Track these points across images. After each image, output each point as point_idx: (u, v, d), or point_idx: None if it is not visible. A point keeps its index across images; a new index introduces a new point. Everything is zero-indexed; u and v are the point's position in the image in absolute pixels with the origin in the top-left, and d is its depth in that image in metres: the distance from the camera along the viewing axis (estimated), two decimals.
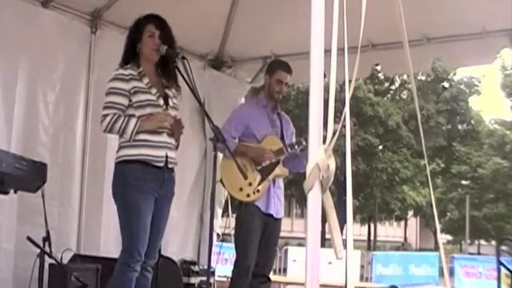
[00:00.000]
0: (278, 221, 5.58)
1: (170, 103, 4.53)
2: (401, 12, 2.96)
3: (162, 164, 4.44)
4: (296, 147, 5.52)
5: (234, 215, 5.67)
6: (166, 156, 4.46)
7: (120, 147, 4.46)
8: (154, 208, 4.44)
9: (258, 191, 5.37)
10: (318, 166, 2.34)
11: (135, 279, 4.32)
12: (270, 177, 5.43)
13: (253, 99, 5.80)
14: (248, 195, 5.35)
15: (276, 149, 5.48)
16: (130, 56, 4.57)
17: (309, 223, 2.36)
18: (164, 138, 4.45)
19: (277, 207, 5.52)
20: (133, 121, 4.34)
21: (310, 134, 2.39)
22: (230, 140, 5.17)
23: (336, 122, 2.46)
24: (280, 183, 5.66)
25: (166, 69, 4.60)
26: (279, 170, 5.52)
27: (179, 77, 4.54)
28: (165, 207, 4.56)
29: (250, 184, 5.34)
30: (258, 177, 5.38)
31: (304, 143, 5.49)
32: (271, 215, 5.47)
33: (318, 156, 2.35)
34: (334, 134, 2.38)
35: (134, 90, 4.41)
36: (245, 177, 5.02)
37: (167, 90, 4.57)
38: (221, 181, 5.34)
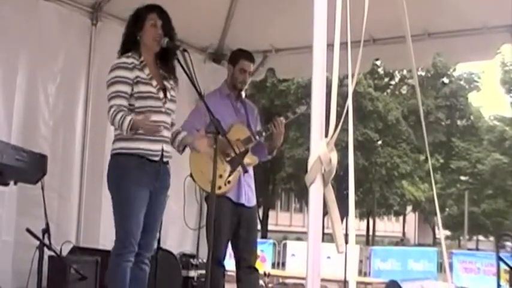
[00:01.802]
0: (251, 209, 5.54)
1: (168, 96, 4.55)
2: (404, 7, 2.95)
3: (157, 158, 4.46)
4: (264, 133, 5.47)
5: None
6: (162, 150, 4.48)
7: (116, 140, 4.46)
8: (150, 201, 4.46)
9: (229, 182, 5.32)
10: (320, 159, 2.34)
11: (129, 270, 4.35)
12: (240, 167, 5.42)
13: (215, 90, 5.74)
14: (219, 187, 5.28)
15: (244, 138, 5.42)
16: (131, 44, 4.56)
17: (311, 216, 2.36)
18: (161, 131, 4.46)
19: (248, 195, 5.47)
20: (127, 120, 4.27)
21: (312, 127, 2.38)
22: (194, 132, 5.14)
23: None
24: (250, 171, 5.59)
25: (166, 61, 4.61)
26: (248, 159, 5.46)
27: (180, 70, 4.54)
28: (160, 200, 4.60)
29: (220, 176, 5.27)
30: (228, 169, 5.33)
31: (271, 128, 5.47)
32: (242, 205, 5.42)
33: (320, 149, 2.35)
34: (336, 127, 2.38)
35: (137, 80, 4.41)
36: (218, 169, 5.04)
37: (165, 82, 4.58)
38: (191, 175, 5.31)
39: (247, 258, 5.50)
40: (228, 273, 5.57)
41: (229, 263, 5.51)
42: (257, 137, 5.44)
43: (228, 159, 5.32)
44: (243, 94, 5.75)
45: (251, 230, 5.55)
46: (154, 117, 4.42)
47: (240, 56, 5.67)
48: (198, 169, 5.24)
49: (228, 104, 5.57)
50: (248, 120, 5.60)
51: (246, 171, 5.27)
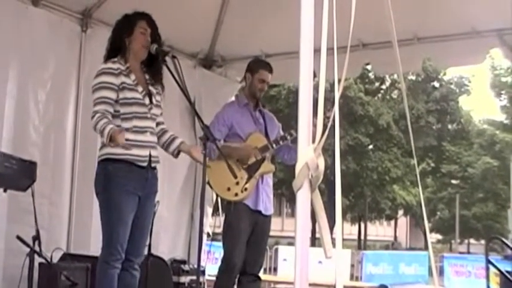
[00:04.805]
0: (267, 218, 5.57)
1: (154, 101, 4.55)
2: (390, 12, 2.97)
3: (145, 164, 4.46)
4: (281, 142, 5.52)
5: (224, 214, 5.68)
6: (150, 156, 4.48)
7: (104, 145, 4.41)
8: (138, 206, 4.46)
9: (245, 189, 5.36)
10: (307, 165, 2.35)
11: (116, 276, 4.35)
12: (257, 174, 5.43)
13: (233, 101, 5.79)
14: (236, 194, 5.35)
15: (261, 146, 5.48)
16: (118, 49, 4.56)
17: (298, 222, 2.36)
18: (147, 137, 4.47)
19: (265, 203, 5.51)
20: (107, 129, 4.17)
21: (299, 133, 2.40)
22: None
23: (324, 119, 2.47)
24: (269, 180, 5.64)
25: (152, 68, 4.61)
26: (265, 166, 5.51)
27: (169, 76, 4.54)
28: (148, 205, 4.60)
29: (237, 183, 5.33)
30: (245, 176, 5.37)
31: (288, 137, 5.51)
32: (260, 212, 5.46)
33: (307, 155, 2.36)
34: (323, 132, 2.39)
35: (122, 86, 4.40)
36: (235, 177, 5.02)
37: (151, 87, 4.58)
38: (208, 183, 5.33)
39: (253, 265, 5.54)
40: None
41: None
42: (274, 145, 5.51)
43: (245, 166, 5.37)
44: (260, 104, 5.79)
45: (263, 238, 5.60)
46: (140, 123, 4.43)
47: (259, 65, 5.74)
48: (215, 177, 5.26)
49: (246, 113, 5.64)
50: (266, 129, 5.67)
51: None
